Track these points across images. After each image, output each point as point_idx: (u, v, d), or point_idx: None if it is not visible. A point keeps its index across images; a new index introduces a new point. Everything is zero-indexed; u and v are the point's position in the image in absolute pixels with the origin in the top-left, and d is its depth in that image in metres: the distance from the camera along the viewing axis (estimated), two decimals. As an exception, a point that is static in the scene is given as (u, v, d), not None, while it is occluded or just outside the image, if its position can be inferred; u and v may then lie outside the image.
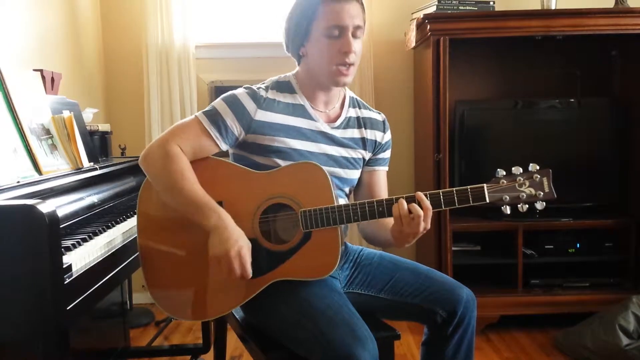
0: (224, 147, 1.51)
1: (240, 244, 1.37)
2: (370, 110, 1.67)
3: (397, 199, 1.40)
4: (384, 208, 1.41)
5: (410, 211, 1.36)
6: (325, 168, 1.45)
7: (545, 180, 1.38)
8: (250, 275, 1.39)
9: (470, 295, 1.55)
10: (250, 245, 1.40)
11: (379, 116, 1.68)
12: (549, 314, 2.76)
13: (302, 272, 1.44)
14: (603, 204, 2.88)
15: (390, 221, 1.44)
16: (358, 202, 1.43)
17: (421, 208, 1.36)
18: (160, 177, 1.45)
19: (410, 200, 1.38)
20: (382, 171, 1.68)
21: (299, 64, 1.59)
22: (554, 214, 2.77)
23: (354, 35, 1.48)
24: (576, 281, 2.80)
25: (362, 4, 1.51)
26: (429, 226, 1.39)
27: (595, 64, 3.05)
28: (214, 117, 1.48)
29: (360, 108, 1.65)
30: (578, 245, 2.82)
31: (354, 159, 1.60)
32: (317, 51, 1.50)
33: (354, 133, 1.61)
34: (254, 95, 1.51)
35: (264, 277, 1.45)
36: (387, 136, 1.67)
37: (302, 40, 1.52)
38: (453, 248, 2.74)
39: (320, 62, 1.50)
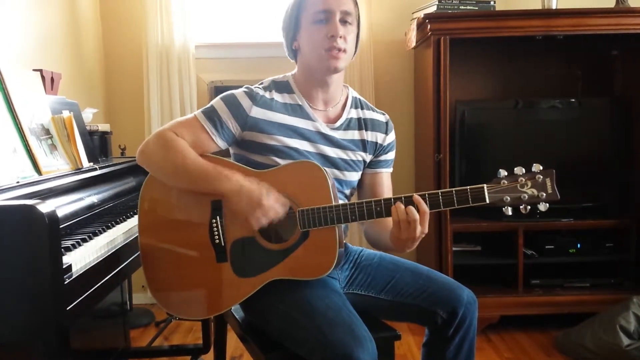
0: (221, 143, 1.51)
1: (257, 198, 1.38)
2: (373, 111, 1.66)
3: (395, 200, 1.39)
4: (382, 208, 1.40)
5: (407, 214, 1.35)
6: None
7: (548, 181, 1.36)
8: (282, 214, 1.41)
9: (471, 296, 1.54)
10: (266, 187, 1.41)
11: (382, 117, 1.66)
12: (549, 314, 2.76)
13: (300, 271, 1.44)
14: (604, 204, 2.87)
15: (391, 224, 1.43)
16: (356, 201, 1.43)
17: (418, 211, 1.35)
18: (162, 163, 1.46)
19: (408, 201, 1.37)
20: (385, 173, 1.67)
21: (296, 62, 1.59)
22: (554, 214, 2.76)
23: (343, 22, 1.48)
24: (577, 281, 2.80)
25: None
26: (426, 230, 1.37)
27: (596, 63, 3.05)
28: (210, 113, 1.50)
29: (362, 108, 1.64)
30: (579, 245, 2.81)
31: (353, 161, 1.59)
32: (306, 40, 1.51)
33: (354, 135, 1.60)
34: (250, 93, 1.52)
35: (263, 276, 1.45)
36: (390, 138, 1.66)
37: (294, 33, 1.54)
38: (453, 248, 2.73)
39: (311, 50, 1.50)
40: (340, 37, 1.47)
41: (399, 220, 1.36)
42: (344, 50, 1.49)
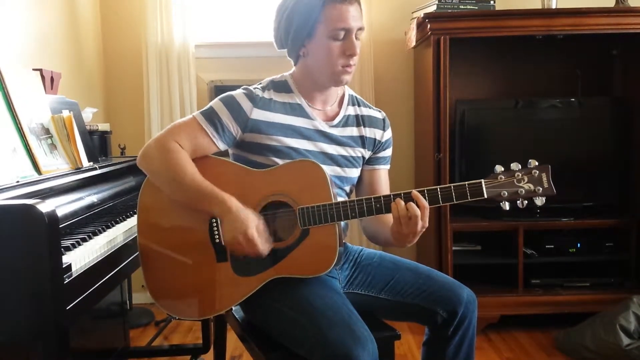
0: (221, 145, 1.51)
1: (245, 226, 1.38)
2: (370, 108, 1.67)
3: (394, 196, 1.39)
4: (382, 204, 1.40)
5: (407, 210, 1.36)
6: (323, 167, 1.45)
7: (544, 175, 1.37)
8: (264, 253, 1.41)
9: (471, 295, 1.54)
10: (258, 221, 1.41)
11: (378, 114, 1.67)
12: (549, 313, 2.75)
13: (300, 269, 1.44)
14: (604, 203, 2.87)
15: (391, 219, 1.43)
16: (355, 198, 1.43)
17: (418, 207, 1.36)
18: (160, 172, 1.47)
19: (407, 197, 1.38)
20: (383, 170, 1.68)
21: (295, 64, 1.59)
22: (554, 213, 2.77)
23: (356, 37, 1.49)
24: (577, 281, 2.79)
25: (361, 5, 1.52)
26: (427, 224, 1.38)
27: (596, 63, 3.05)
28: (210, 116, 1.49)
29: (359, 106, 1.65)
30: (579, 245, 2.81)
31: (352, 157, 1.60)
32: (320, 52, 1.49)
33: (353, 131, 1.60)
34: (250, 95, 1.51)
35: (263, 275, 1.45)
36: (387, 134, 1.67)
37: (304, 40, 1.52)
38: (453, 248, 2.73)
39: (323, 63, 1.50)
40: (357, 54, 1.49)
41: (399, 216, 1.36)
42: (355, 65, 1.51)
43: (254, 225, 1.40)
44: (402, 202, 1.37)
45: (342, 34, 1.46)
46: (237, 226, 1.39)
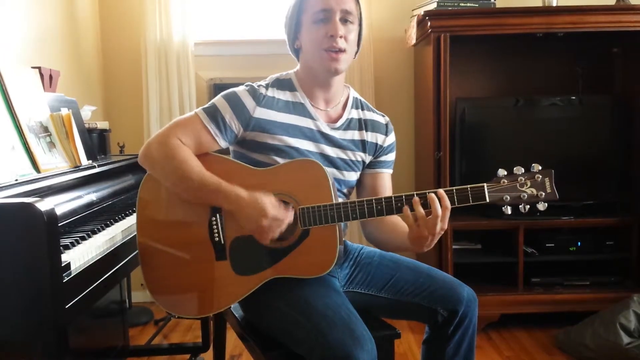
0: (223, 143, 1.50)
1: (260, 208, 1.36)
2: (373, 112, 1.65)
3: (396, 198, 1.38)
4: (383, 206, 1.39)
5: (426, 208, 1.34)
6: None
7: (547, 180, 1.36)
8: (289, 222, 1.40)
9: (472, 294, 1.54)
10: (269, 198, 1.39)
11: (382, 119, 1.66)
12: (549, 312, 2.75)
13: (300, 269, 1.43)
14: (604, 202, 2.87)
15: (401, 226, 1.42)
16: (357, 200, 1.42)
17: (436, 207, 1.33)
18: (165, 171, 1.46)
19: (422, 198, 1.35)
20: (385, 174, 1.67)
21: (298, 60, 1.59)
22: (555, 212, 2.76)
23: (344, 21, 1.47)
24: (577, 280, 2.79)
25: None
26: (446, 226, 1.36)
27: (596, 61, 3.04)
28: (213, 113, 1.48)
29: (363, 109, 1.63)
30: (579, 243, 2.81)
31: (352, 161, 1.59)
32: (307, 40, 1.50)
33: (354, 135, 1.59)
34: (253, 93, 1.50)
35: (262, 274, 1.44)
36: (390, 139, 1.66)
37: (295, 32, 1.53)
38: (454, 246, 2.73)
39: (311, 50, 1.50)
40: (341, 36, 1.46)
41: (418, 218, 1.34)
42: (344, 51, 1.47)
43: (269, 203, 1.38)
44: (418, 204, 1.35)
45: (322, 15, 1.46)
46: (255, 213, 1.37)
